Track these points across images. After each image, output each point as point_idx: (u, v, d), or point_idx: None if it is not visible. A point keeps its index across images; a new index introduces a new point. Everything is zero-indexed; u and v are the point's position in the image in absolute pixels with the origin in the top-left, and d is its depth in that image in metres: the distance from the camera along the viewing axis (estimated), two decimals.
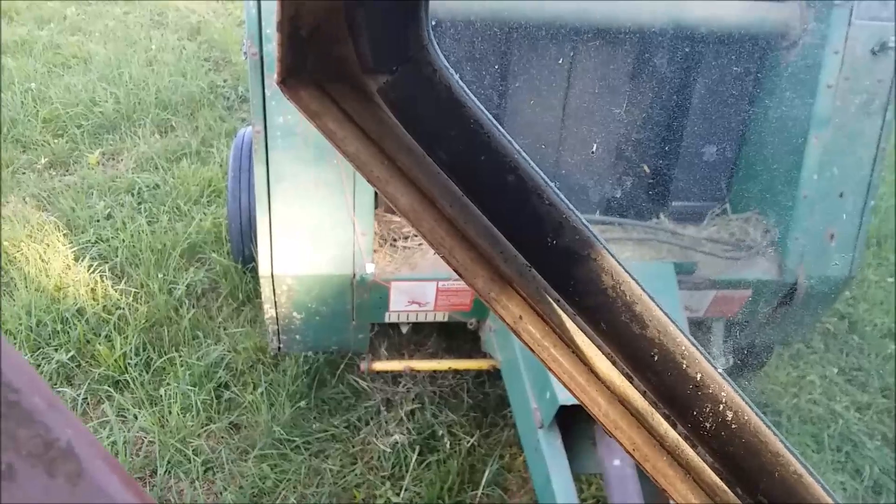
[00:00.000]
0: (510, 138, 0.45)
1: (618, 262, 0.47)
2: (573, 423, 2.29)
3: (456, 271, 0.50)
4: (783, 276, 2.63)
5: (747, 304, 2.73)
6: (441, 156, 0.45)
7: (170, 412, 3.01)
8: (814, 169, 2.49)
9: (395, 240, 2.62)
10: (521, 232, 0.47)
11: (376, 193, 2.49)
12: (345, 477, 2.88)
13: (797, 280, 2.63)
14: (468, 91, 0.44)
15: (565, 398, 2.12)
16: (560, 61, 2.59)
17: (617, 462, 2.14)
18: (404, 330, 3.12)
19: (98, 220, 4.10)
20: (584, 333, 0.51)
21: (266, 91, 2.25)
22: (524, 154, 0.45)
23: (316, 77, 0.43)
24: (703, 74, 2.65)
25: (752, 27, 2.51)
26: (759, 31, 2.52)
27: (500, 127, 0.45)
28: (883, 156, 2.50)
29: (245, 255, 3.56)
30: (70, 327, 3.36)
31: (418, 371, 3.18)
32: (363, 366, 3.01)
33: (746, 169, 2.78)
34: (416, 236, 2.66)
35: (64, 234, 3.96)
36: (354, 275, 2.50)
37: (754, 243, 2.68)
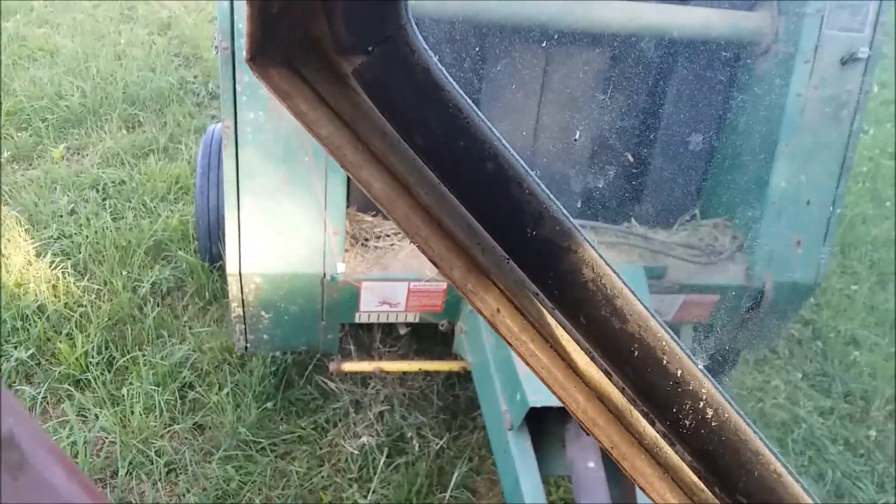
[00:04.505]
0: (490, 124, 0.44)
1: (598, 254, 0.46)
2: (543, 426, 2.29)
3: (432, 261, 0.49)
4: (751, 282, 2.66)
5: (715, 309, 2.75)
6: (417, 141, 0.43)
7: (132, 412, 2.94)
8: (782, 176, 2.52)
9: (366, 239, 2.60)
10: (499, 222, 0.46)
11: (348, 192, 2.46)
12: (311, 479, 2.84)
13: (764, 286, 2.66)
14: (447, 74, 0.42)
15: (536, 400, 2.11)
16: (533, 67, 2.59)
17: (586, 465, 2.14)
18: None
19: (61, 216, 4.01)
20: (563, 328, 0.50)
21: (237, 86, 2.21)
22: (504, 141, 0.44)
23: (287, 55, 0.41)
24: (675, 80, 2.67)
25: (725, 34, 2.53)
26: (732, 39, 2.55)
27: (479, 112, 0.43)
28: (850, 165, 2.54)
29: (212, 254, 3.50)
30: (30, 324, 3.28)
31: (388, 372, 3.15)
32: (332, 367, 2.97)
33: (716, 175, 2.80)
34: (388, 236, 2.64)
35: (25, 230, 3.86)
36: (325, 274, 2.46)
37: (723, 249, 2.71)
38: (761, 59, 2.53)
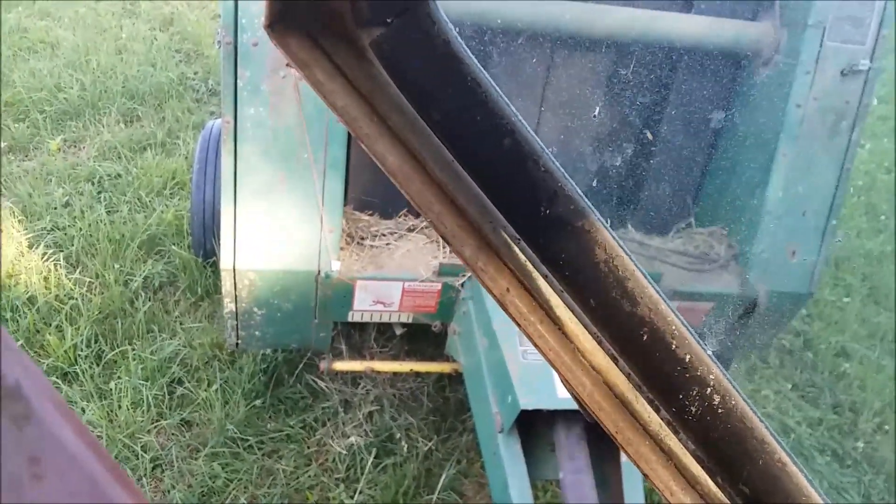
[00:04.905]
0: (508, 101, 0.43)
1: (612, 235, 0.46)
2: (533, 429, 2.28)
3: (443, 238, 0.48)
4: (745, 291, 2.67)
5: (709, 317, 2.76)
6: (433, 115, 0.43)
7: (119, 406, 2.92)
8: (779, 186, 2.53)
9: (362, 238, 2.59)
10: (513, 199, 0.45)
11: (346, 190, 2.46)
12: (298, 478, 2.82)
13: (758, 295, 2.67)
14: (466, 48, 0.42)
15: (527, 403, 2.11)
16: (534, 72, 2.60)
17: (575, 469, 2.14)
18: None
19: (55, 208, 3.99)
20: (572, 310, 0.49)
21: (238, 81, 2.21)
22: (521, 118, 0.44)
23: (306, 25, 0.41)
24: (675, 88, 2.68)
25: (726, 44, 2.55)
26: (733, 48, 2.56)
27: (497, 88, 0.43)
28: (847, 176, 2.55)
29: (206, 249, 3.49)
30: (20, 315, 3.25)
31: (379, 373, 3.14)
32: (323, 365, 2.96)
33: (713, 183, 2.81)
34: (383, 236, 2.63)
35: (19, 221, 3.84)
36: (319, 272, 2.46)
37: (718, 257, 2.72)
38: (762, 68, 2.55)
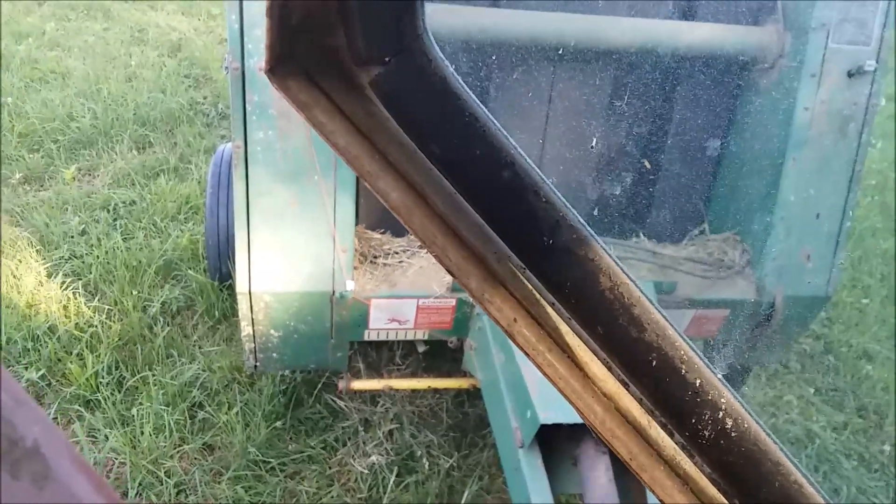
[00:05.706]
0: (506, 133, 0.44)
1: (616, 262, 0.46)
2: (554, 443, 2.27)
3: (448, 271, 0.49)
4: (761, 297, 2.65)
5: (726, 324, 2.74)
6: (434, 150, 0.43)
7: (142, 433, 2.94)
8: (791, 190, 2.52)
9: (375, 257, 2.60)
10: (516, 230, 0.46)
11: (357, 210, 2.47)
12: (321, 499, 2.82)
13: (775, 300, 2.64)
14: (463, 83, 0.43)
15: (547, 417, 2.10)
16: (540, 84, 2.60)
17: (598, 482, 2.12)
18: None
19: (72, 237, 4.03)
20: (580, 338, 0.49)
21: (247, 106, 2.23)
22: (520, 149, 0.44)
23: (305, 67, 0.42)
24: (681, 95, 2.68)
25: (731, 49, 2.54)
26: (738, 54, 2.56)
27: (495, 121, 0.44)
28: (858, 178, 2.53)
29: (222, 273, 3.51)
30: (41, 345, 3.29)
31: (397, 390, 3.14)
32: (341, 385, 2.97)
33: (724, 189, 2.80)
34: (396, 254, 2.64)
35: (37, 251, 3.89)
36: (334, 292, 2.46)
37: (732, 263, 2.70)
38: (768, 73, 2.54)
